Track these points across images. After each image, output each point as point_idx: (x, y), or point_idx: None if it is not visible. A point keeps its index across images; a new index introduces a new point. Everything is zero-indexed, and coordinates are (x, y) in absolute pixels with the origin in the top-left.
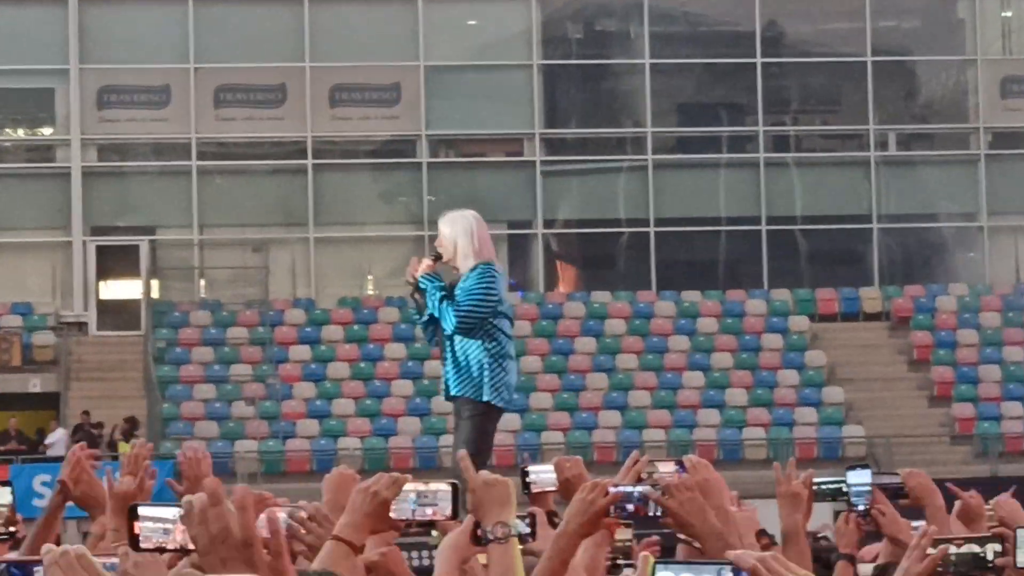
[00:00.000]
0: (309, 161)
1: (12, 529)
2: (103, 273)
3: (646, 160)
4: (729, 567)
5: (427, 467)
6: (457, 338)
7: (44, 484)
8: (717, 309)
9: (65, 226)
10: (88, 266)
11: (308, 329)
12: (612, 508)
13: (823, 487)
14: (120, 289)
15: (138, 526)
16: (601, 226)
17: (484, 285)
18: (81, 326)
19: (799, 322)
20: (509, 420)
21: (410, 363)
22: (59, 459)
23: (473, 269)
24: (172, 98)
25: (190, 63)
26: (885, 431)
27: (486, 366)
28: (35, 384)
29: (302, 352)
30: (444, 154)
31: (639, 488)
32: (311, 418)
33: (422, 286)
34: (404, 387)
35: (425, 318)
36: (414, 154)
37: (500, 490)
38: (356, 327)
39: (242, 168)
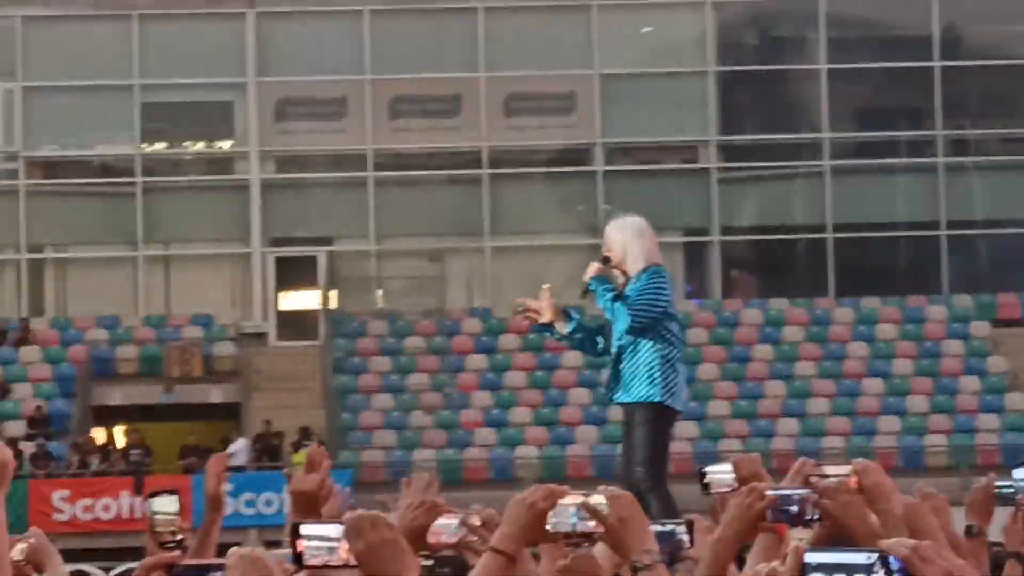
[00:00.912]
0: (485, 171)
1: (179, 537)
2: (282, 284)
3: (823, 166)
4: (881, 558)
5: (605, 476)
6: (627, 343)
7: (227, 493)
8: (896, 315)
9: (244, 238)
10: (267, 277)
11: (485, 338)
12: (770, 512)
13: (1002, 491)
14: (299, 300)
15: (301, 544)
16: (778, 232)
17: (655, 286)
18: (261, 337)
19: (980, 327)
20: (686, 428)
21: (587, 371)
22: (241, 469)
23: (644, 271)
24: (349, 110)
25: (366, 75)
26: None
27: (657, 368)
28: (216, 395)
29: (479, 361)
30: (619, 162)
31: (797, 491)
32: (488, 427)
33: (591, 288)
34: (581, 395)
35: (576, 336)
36: (589, 162)
37: (639, 518)
38: (533, 336)
39: (418, 178)
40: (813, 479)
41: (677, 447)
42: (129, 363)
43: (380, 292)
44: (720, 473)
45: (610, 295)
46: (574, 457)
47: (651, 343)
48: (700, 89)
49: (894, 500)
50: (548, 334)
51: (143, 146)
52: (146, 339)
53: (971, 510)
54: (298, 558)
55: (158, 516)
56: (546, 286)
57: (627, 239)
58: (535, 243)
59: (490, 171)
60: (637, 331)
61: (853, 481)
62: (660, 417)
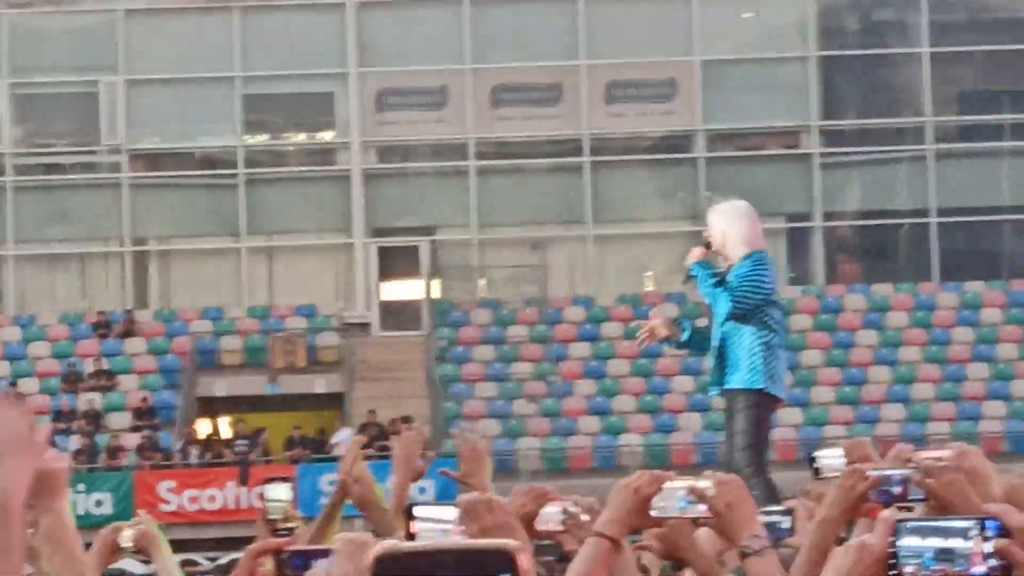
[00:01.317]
0: (586, 158)
1: (291, 525)
2: (385, 274)
3: (926, 150)
4: (991, 522)
5: (709, 462)
6: (729, 329)
7: (331, 484)
8: (1001, 299)
9: (346, 228)
10: (370, 267)
11: (588, 326)
12: (873, 492)
13: None
14: (401, 290)
15: (414, 526)
16: (881, 217)
17: (758, 272)
18: (364, 327)
19: None
20: (790, 414)
21: (691, 359)
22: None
23: (747, 257)
24: (449, 99)
25: (467, 64)
26: None
27: (759, 354)
28: (320, 385)
29: (582, 349)
30: (721, 148)
31: (899, 471)
32: (592, 415)
33: (693, 273)
34: (685, 383)
35: (693, 339)
36: (691, 149)
37: (747, 503)
38: (635, 324)
39: (520, 167)
40: (916, 460)
41: (781, 434)
42: (233, 354)
43: (483, 281)
44: (831, 458)
45: (712, 280)
46: (677, 445)
47: (752, 329)
48: (802, 74)
49: (992, 484)
50: (668, 345)
51: (245, 138)
52: (250, 330)
53: None
54: (411, 538)
55: (271, 503)
56: (655, 311)
57: (728, 224)
58: (637, 231)
59: (591, 159)
60: (738, 317)
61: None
62: (761, 403)
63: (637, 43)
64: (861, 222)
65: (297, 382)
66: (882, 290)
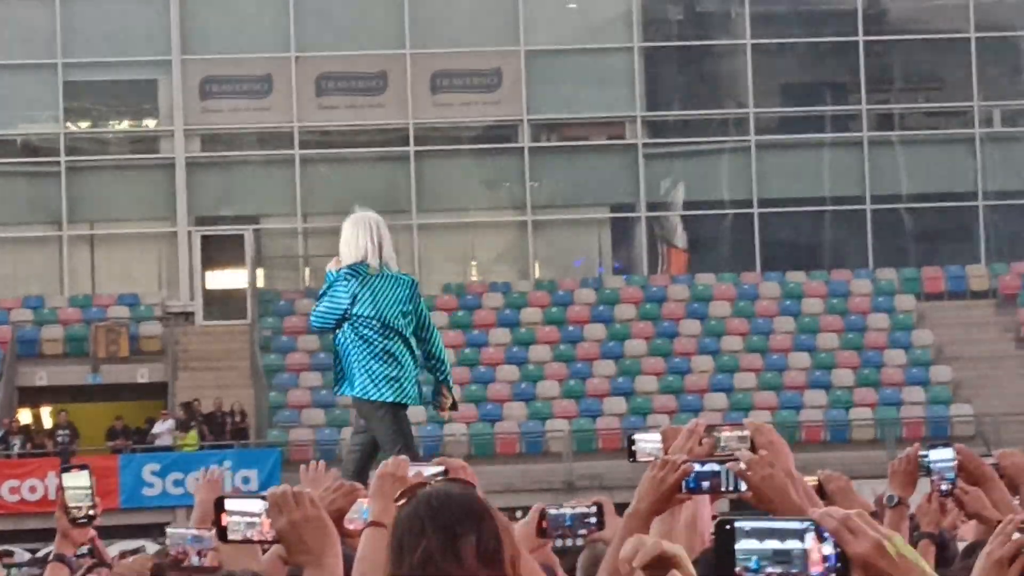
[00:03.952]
0: (411, 148)
1: (91, 513)
2: (208, 263)
3: (749, 141)
4: (813, 526)
5: (533, 451)
6: (339, 340)
7: (153, 474)
8: (822, 290)
9: (170, 217)
10: (194, 256)
11: None
12: (685, 484)
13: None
14: (226, 279)
15: (225, 518)
16: (705, 208)
17: (330, 289)
18: (188, 316)
19: (905, 301)
20: (615, 403)
21: (515, 348)
22: (167, 449)
23: (332, 272)
24: (274, 87)
25: (291, 52)
26: (993, 410)
27: (364, 365)
28: (143, 374)
29: None
30: (546, 138)
31: (713, 463)
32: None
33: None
34: (510, 372)
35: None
36: (516, 139)
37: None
38: (461, 313)
39: (345, 156)
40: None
41: (605, 423)
42: (55, 343)
43: (307, 270)
44: (648, 442)
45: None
46: (501, 433)
47: (355, 342)
48: (626, 65)
49: (790, 461)
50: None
51: (67, 125)
52: (72, 319)
53: (894, 480)
54: (222, 532)
55: (70, 491)
56: None
57: (344, 234)
58: (462, 220)
59: (417, 148)
60: (318, 331)
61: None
62: (389, 411)
63: (462, 32)
64: (684, 212)
65: (120, 372)
66: (706, 280)
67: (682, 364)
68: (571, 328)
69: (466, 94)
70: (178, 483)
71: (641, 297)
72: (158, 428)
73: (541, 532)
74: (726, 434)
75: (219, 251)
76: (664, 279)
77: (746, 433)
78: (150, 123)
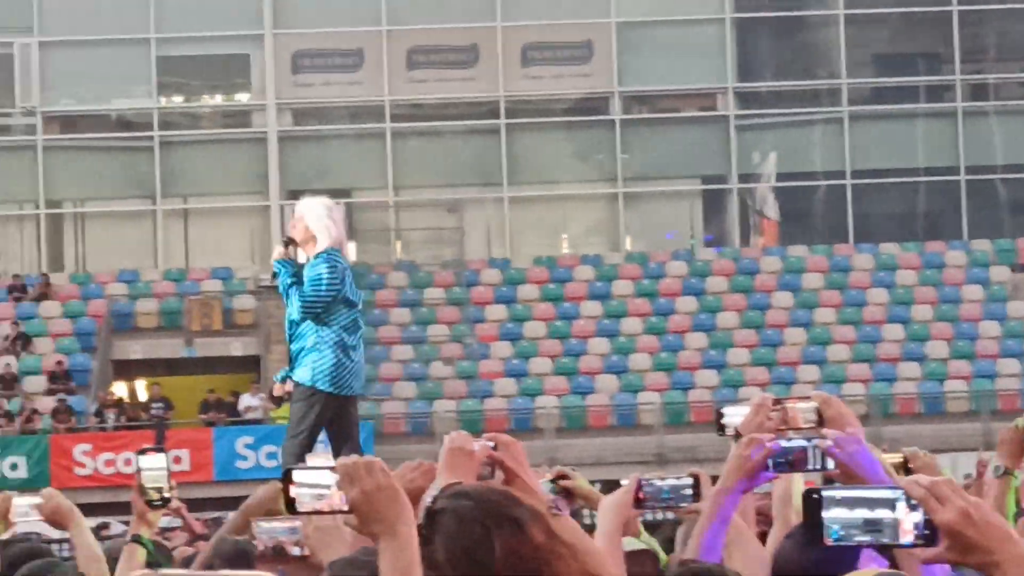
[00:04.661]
0: (502, 121)
1: (166, 495)
2: None
3: (842, 112)
4: (903, 495)
5: (625, 424)
6: (300, 326)
7: (246, 447)
8: (916, 261)
9: (262, 191)
10: (286, 230)
11: (504, 289)
12: (771, 461)
13: None
14: None
15: (293, 490)
16: (797, 179)
17: (326, 272)
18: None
19: (1000, 272)
20: (706, 376)
21: (606, 321)
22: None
23: (318, 255)
24: (365, 61)
25: (382, 26)
26: None
27: (323, 353)
28: (236, 347)
29: (498, 311)
30: (637, 111)
31: (802, 441)
32: (509, 377)
33: (276, 270)
34: (601, 345)
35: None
36: (607, 111)
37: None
38: (552, 286)
39: (436, 129)
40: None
41: (697, 395)
42: (149, 317)
43: (399, 244)
44: (738, 416)
45: (289, 280)
46: (593, 406)
47: (321, 328)
48: (717, 36)
49: (861, 433)
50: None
51: (160, 100)
52: (166, 293)
53: (1002, 449)
54: (290, 504)
55: (146, 473)
56: None
57: (310, 220)
58: (553, 193)
59: (507, 121)
60: (310, 318)
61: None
62: (315, 399)
63: (553, 5)
64: (780, 184)
65: (213, 345)
66: (798, 251)
67: (774, 336)
68: (662, 301)
69: (557, 66)
70: (271, 456)
71: (733, 269)
72: (247, 401)
73: (638, 503)
74: (793, 405)
75: None
76: (756, 251)
77: (814, 405)
78: (242, 97)
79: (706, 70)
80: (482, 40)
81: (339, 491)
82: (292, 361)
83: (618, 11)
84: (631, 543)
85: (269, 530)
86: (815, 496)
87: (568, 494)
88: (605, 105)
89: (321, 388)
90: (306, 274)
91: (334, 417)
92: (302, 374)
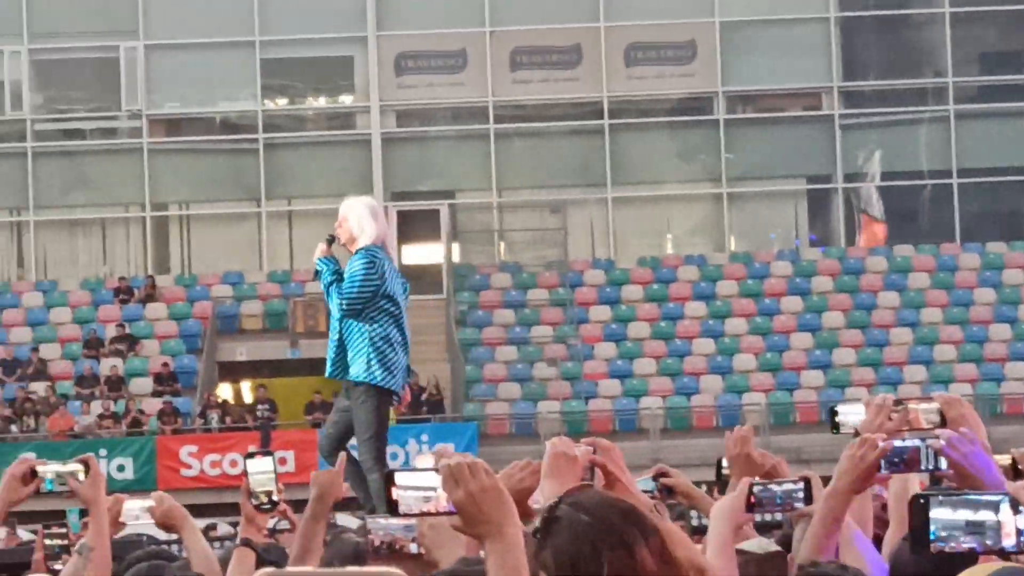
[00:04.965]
0: (606, 121)
1: (275, 499)
2: (404, 238)
3: (948, 110)
4: (1007, 498)
5: (730, 424)
6: (348, 323)
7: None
8: (1023, 260)
9: (366, 192)
10: (390, 231)
11: (608, 289)
12: (884, 462)
13: None
14: (422, 253)
15: (395, 492)
16: (903, 179)
17: (366, 268)
18: None
19: None
20: (812, 376)
21: (711, 321)
22: None
23: (358, 252)
24: (468, 62)
25: (486, 27)
26: None
27: (377, 349)
28: None
29: (603, 312)
30: (741, 110)
31: (916, 441)
32: (613, 378)
33: (318, 268)
34: (705, 345)
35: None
36: (711, 111)
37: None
38: (656, 286)
39: (539, 130)
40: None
41: (803, 395)
42: (254, 319)
43: (503, 244)
44: (852, 414)
45: (330, 278)
46: (698, 407)
47: (368, 325)
48: (822, 35)
49: (983, 435)
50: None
51: (264, 102)
52: (270, 295)
53: None
54: (393, 506)
55: (254, 477)
56: None
57: (353, 220)
58: (657, 193)
59: (611, 121)
60: (351, 315)
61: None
62: (380, 397)
63: (657, 5)
64: (882, 183)
65: (318, 346)
66: (904, 251)
67: (880, 336)
68: (767, 301)
69: (661, 67)
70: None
71: (838, 269)
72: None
73: (749, 507)
74: (915, 406)
75: (415, 226)
76: (861, 251)
77: (936, 406)
78: (346, 99)
79: (811, 69)
80: (585, 40)
81: (442, 493)
82: (336, 360)
83: (722, 10)
84: (763, 545)
85: (384, 527)
86: (921, 501)
87: (669, 492)
88: (709, 105)
89: (379, 384)
90: (346, 271)
91: (387, 415)
92: (355, 372)
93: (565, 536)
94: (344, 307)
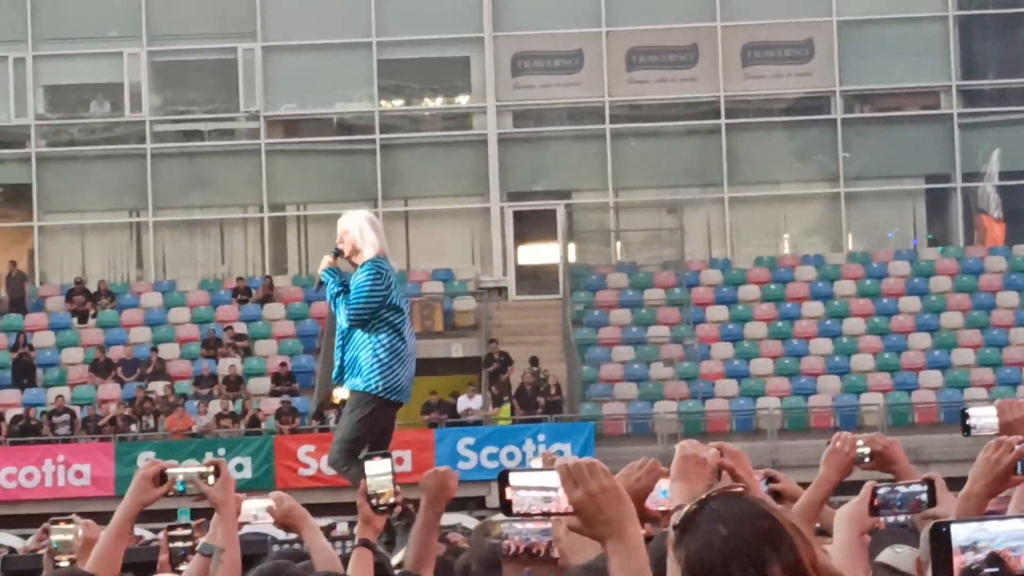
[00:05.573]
0: (722, 121)
1: (392, 501)
2: (521, 238)
3: None
4: None
5: (848, 426)
6: (353, 334)
7: (468, 447)
8: None
9: (483, 193)
10: (506, 231)
11: (725, 289)
12: (1021, 464)
13: None
14: (538, 253)
15: (510, 493)
16: (1022, 178)
17: (371, 280)
18: (500, 291)
19: None
20: (931, 377)
21: (828, 321)
22: (478, 423)
23: (363, 264)
24: (585, 62)
25: (602, 27)
26: None
27: (379, 359)
28: (457, 349)
29: (719, 312)
30: (859, 110)
31: None
32: (730, 378)
33: (323, 280)
34: (823, 345)
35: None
36: (828, 110)
37: None
38: (773, 286)
39: (655, 130)
40: None
41: (921, 396)
42: None
43: (619, 244)
44: (984, 417)
45: (336, 289)
46: (816, 407)
47: (373, 335)
48: (940, 33)
49: None
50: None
51: (381, 103)
52: None
53: None
54: (507, 506)
55: (372, 479)
56: None
57: (356, 232)
58: (773, 193)
59: (727, 121)
60: (358, 326)
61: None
62: (373, 405)
63: (774, 4)
64: (1003, 183)
65: (434, 346)
66: (1023, 251)
67: (1000, 336)
68: (885, 301)
69: (778, 66)
70: (492, 457)
71: (957, 269)
72: (465, 403)
73: (873, 510)
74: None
75: (531, 226)
76: (980, 250)
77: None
78: (462, 100)
79: (929, 68)
80: (702, 40)
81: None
82: (343, 370)
83: (839, 9)
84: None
85: (520, 530)
86: (943, 530)
87: (778, 496)
88: (826, 104)
89: (378, 395)
90: (352, 283)
91: (385, 425)
92: (357, 382)
93: (699, 544)
94: (351, 318)
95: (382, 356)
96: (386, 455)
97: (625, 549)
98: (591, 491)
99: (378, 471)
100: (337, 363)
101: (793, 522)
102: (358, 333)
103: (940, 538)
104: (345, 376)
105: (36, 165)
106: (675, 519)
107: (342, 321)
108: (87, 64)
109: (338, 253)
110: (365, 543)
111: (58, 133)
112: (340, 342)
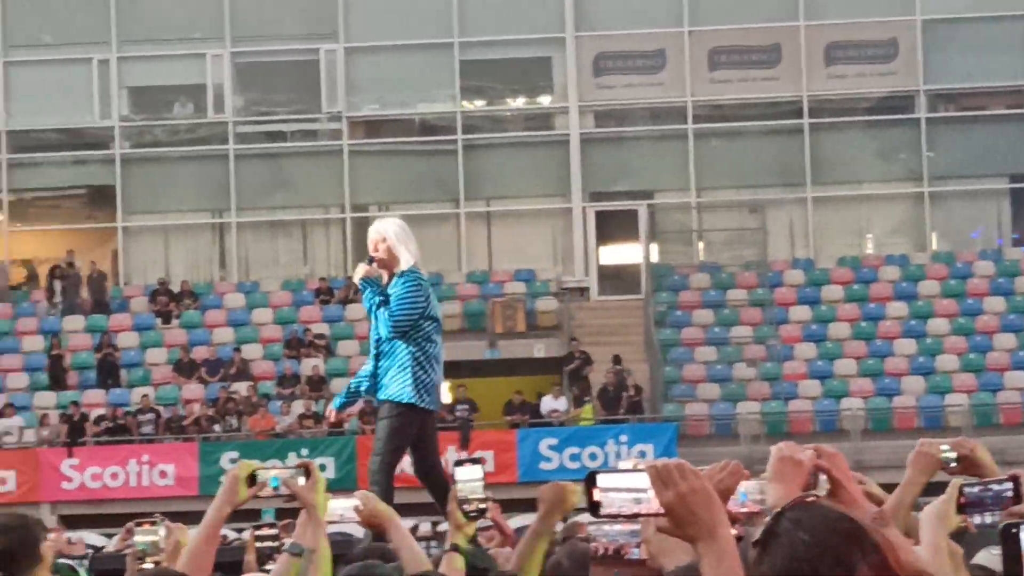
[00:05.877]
0: (805, 120)
1: (483, 507)
2: (603, 238)
3: None
4: None
5: (932, 427)
6: (388, 345)
7: (550, 448)
8: None
9: (565, 193)
10: (588, 232)
11: (808, 289)
12: None
13: None
14: (620, 254)
15: (597, 494)
16: None
17: (411, 291)
18: (583, 291)
19: None
20: (1017, 378)
21: (913, 321)
22: (561, 424)
23: (401, 275)
24: (667, 62)
25: (684, 27)
26: None
27: (412, 368)
28: (539, 349)
29: (803, 312)
30: (943, 109)
31: None
32: (813, 379)
33: (361, 288)
34: (908, 346)
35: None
36: (912, 110)
37: None
38: (856, 286)
39: (738, 130)
40: None
41: (1005, 397)
42: (453, 319)
43: (701, 244)
44: None
45: (376, 300)
46: (900, 408)
47: (409, 345)
48: None
49: None
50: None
51: (463, 103)
52: (469, 295)
53: None
54: (594, 507)
55: (462, 484)
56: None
57: (392, 241)
58: (857, 192)
59: (810, 121)
60: (398, 337)
61: None
62: (405, 415)
63: (857, 3)
64: None
65: (516, 347)
66: None
67: None
68: (970, 301)
69: (861, 65)
70: (574, 457)
71: None
72: (549, 404)
73: (960, 508)
74: None
75: (613, 226)
76: None
77: None
78: (545, 100)
79: (1014, 67)
80: (785, 39)
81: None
82: (376, 379)
83: (923, 8)
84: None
85: (608, 532)
86: (1012, 531)
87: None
88: (910, 103)
89: (415, 404)
90: (392, 293)
91: (421, 433)
92: (393, 391)
93: (783, 554)
94: (393, 329)
95: (418, 365)
96: (476, 461)
97: (717, 550)
98: (682, 492)
99: (468, 477)
100: (370, 371)
101: (869, 524)
102: (395, 343)
103: (1010, 538)
104: (379, 386)
105: (120, 166)
106: (756, 533)
107: (382, 331)
108: (171, 66)
109: (372, 261)
110: (455, 548)
111: (142, 134)
112: (374, 350)
